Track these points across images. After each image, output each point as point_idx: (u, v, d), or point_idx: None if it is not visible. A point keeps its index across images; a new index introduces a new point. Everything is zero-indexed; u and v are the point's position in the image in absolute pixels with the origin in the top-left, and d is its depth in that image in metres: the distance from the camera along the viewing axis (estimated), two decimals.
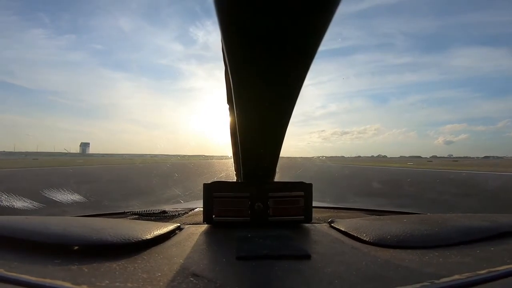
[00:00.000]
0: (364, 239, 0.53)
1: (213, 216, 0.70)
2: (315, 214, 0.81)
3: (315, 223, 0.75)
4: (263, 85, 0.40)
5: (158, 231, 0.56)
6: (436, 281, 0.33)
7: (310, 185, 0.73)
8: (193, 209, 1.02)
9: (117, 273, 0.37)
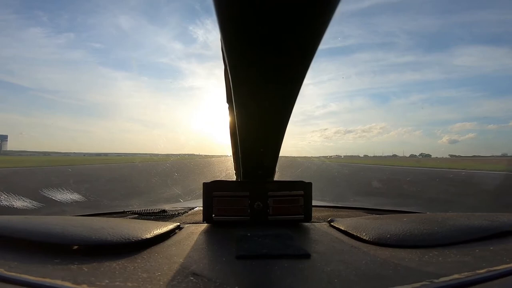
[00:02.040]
0: (364, 238, 0.53)
1: (213, 215, 0.70)
2: (315, 213, 0.81)
3: (315, 222, 0.75)
4: (263, 84, 0.40)
5: (158, 230, 0.56)
6: (436, 280, 0.33)
7: (309, 184, 0.73)
8: (193, 208, 1.02)
9: (117, 272, 0.37)
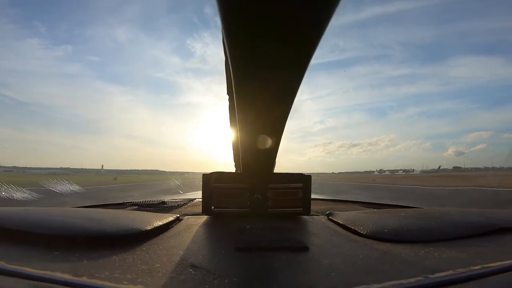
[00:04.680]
0: (361, 232, 0.54)
1: (212, 207, 0.70)
2: (314, 206, 0.81)
3: (314, 215, 0.75)
4: (264, 74, 0.39)
5: (157, 222, 0.56)
6: (431, 276, 0.33)
7: (309, 177, 0.73)
8: (193, 200, 1.02)
9: (116, 264, 0.37)
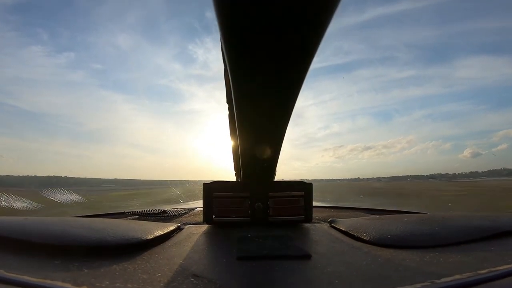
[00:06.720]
0: (365, 238, 0.53)
1: (213, 216, 0.70)
2: (315, 214, 0.81)
3: (316, 222, 0.75)
4: (263, 83, 0.40)
5: (158, 231, 0.56)
6: (437, 281, 0.33)
7: (310, 185, 0.73)
8: (193, 209, 1.02)
9: (117, 273, 0.37)
